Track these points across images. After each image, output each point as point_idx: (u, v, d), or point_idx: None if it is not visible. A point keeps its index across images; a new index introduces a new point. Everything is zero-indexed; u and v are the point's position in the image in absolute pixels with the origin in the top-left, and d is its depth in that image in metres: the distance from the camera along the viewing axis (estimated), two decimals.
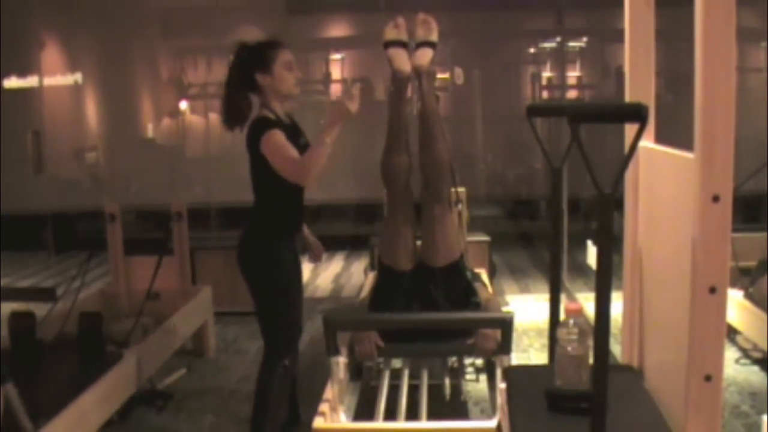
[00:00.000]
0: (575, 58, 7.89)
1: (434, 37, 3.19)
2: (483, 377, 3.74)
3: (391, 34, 3.15)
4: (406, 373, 3.14)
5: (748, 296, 3.83)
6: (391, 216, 3.23)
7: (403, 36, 3.15)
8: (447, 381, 3.22)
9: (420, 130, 3.19)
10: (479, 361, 3.80)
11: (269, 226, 3.00)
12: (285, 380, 3.18)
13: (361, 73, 7.85)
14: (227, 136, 8.03)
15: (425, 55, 3.17)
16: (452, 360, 3.55)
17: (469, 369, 3.83)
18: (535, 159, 7.73)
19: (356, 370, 3.27)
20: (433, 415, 2.84)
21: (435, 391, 3.12)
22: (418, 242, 3.27)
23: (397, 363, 3.40)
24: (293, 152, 2.79)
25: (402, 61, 3.13)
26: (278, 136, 2.80)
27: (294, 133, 2.96)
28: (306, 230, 3.25)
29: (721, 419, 1.72)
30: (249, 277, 3.01)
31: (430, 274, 3.11)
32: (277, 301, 3.00)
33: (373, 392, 3.07)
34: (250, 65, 2.90)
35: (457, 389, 3.43)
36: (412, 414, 2.86)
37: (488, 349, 2.98)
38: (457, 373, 3.56)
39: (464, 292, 3.18)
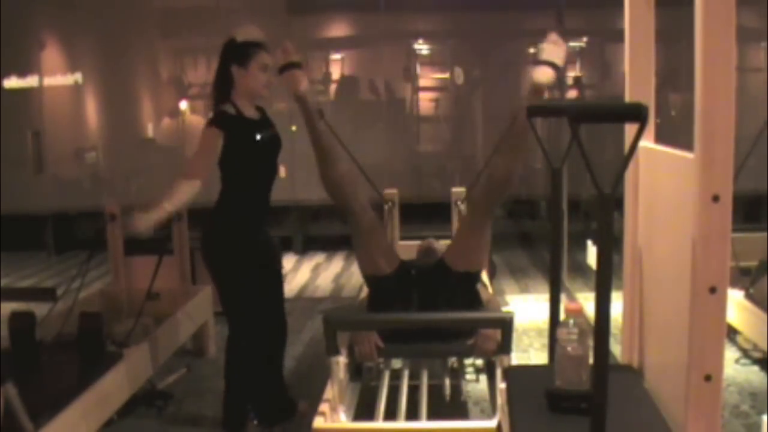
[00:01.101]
0: (575, 58, 7.89)
1: (559, 59, 2.99)
2: (483, 377, 3.74)
3: (281, 59, 2.99)
4: (406, 373, 3.14)
5: (749, 296, 3.83)
6: (354, 226, 3.13)
7: (295, 58, 2.98)
8: (447, 381, 3.22)
9: (506, 137, 3.08)
10: (479, 362, 3.80)
11: (229, 216, 3.15)
12: (260, 368, 3.27)
13: (361, 73, 7.85)
14: None
15: (544, 74, 2.98)
16: (452, 360, 3.55)
17: (469, 369, 3.83)
18: (535, 159, 7.73)
19: (356, 371, 3.27)
20: (433, 416, 2.84)
21: (435, 391, 3.12)
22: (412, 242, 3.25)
23: (396, 363, 3.40)
24: (205, 164, 3.05)
25: (295, 81, 2.95)
26: (209, 136, 3.03)
27: (253, 127, 3.10)
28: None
29: (721, 419, 1.72)
30: (209, 265, 3.15)
31: (445, 275, 3.09)
32: (234, 290, 3.13)
33: (373, 392, 3.08)
34: (229, 58, 3.09)
35: (457, 390, 3.44)
36: (412, 414, 2.86)
37: (488, 349, 2.99)
38: (457, 374, 3.56)
39: (470, 300, 3.16)
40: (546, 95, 3.08)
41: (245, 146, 3.09)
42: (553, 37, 3.01)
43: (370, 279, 3.18)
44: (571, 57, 7.85)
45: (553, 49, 2.99)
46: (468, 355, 3.32)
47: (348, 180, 3.08)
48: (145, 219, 2.87)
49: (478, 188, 3.15)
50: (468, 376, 3.76)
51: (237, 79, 3.07)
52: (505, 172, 3.05)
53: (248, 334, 3.20)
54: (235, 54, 3.08)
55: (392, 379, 3.13)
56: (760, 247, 4.23)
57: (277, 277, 3.40)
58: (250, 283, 3.16)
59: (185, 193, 2.99)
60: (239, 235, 3.15)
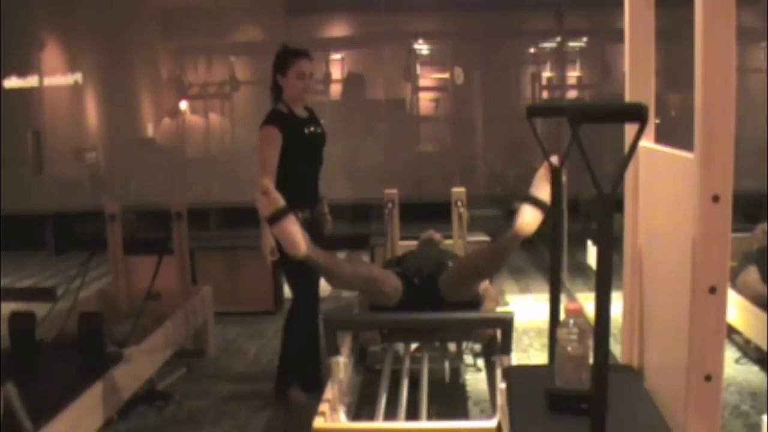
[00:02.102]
0: (575, 58, 7.89)
1: (546, 194, 2.62)
2: (481, 372, 3.75)
3: (264, 208, 2.62)
4: (407, 357, 3.28)
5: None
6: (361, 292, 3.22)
7: (280, 203, 2.64)
8: (447, 364, 3.40)
9: (489, 258, 3.06)
10: (477, 347, 3.83)
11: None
12: (305, 335, 3.56)
13: (361, 73, 7.85)
14: (227, 136, 8.08)
15: (531, 223, 2.69)
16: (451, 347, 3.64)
17: (468, 355, 3.87)
18: (535, 159, 7.72)
19: (361, 354, 3.43)
20: (434, 400, 2.93)
21: (435, 374, 3.24)
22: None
23: (399, 347, 3.52)
24: (270, 161, 3.36)
25: (293, 242, 2.65)
26: (269, 134, 3.39)
27: (302, 123, 3.49)
28: (324, 201, 3.70)
29: (721, 419, 1.72)
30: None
31: (441, 304, 3.11)
32: (286, 262, 3.26)
33: (374, 389, 3.11)
34: (275, 66, 3.48)
35: (456, 373, 3.59)
36: (413, 403, 2.91)
37: (485, 334, 3.14)
38: (456, 358, 3.62)
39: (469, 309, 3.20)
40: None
41: (294, 139, 3.44)
42: (542, 171, 2.70)
43: (374, 306, 3.22)
44: (572, 57, 7.86)
45: (544, 183, 2.69)
46: (466, 339, 3.43)
47: (348, 275, 3.02)
48: (269, 246, 3.33)
49: (463, 263, 3.23)
50: (466, 359, 3.82)
51: (281, 85, 3.47)
52: (480, 274, 3.12)
53: (307, 302, 3.52)
54: (277, 64, 3.46)
55: (394, 363, 3.25)
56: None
57: None
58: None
59: None
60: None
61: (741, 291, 3.84)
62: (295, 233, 2.66)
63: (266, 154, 3.36)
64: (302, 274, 3.43)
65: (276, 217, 2.64)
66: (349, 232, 7.45)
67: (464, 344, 3.64)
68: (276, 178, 3.44)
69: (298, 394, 3.57)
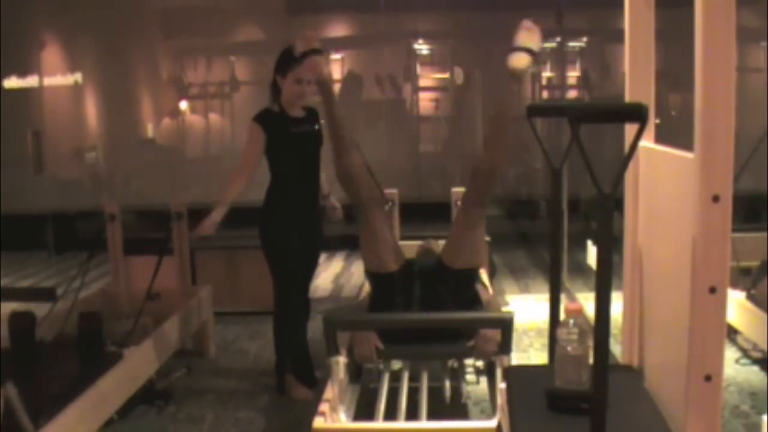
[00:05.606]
0: (575, 58, 7.89)
1: (534, 45, 3.00)
2: (483, 379, 3.74)
3: (301, 46, 3.13)
4: (405, 375, 3.14)
5: (751, 297, 3.82)
6: (364, 220, 3.13)
7: (315, 44, 3.14)
8: (447, 383, 3.21)
9: (489, 130, 3.16)
10: (479, 363, 3.79)
11: (269, 198, 3.55)
12: (293, 331, 3.64)
13: (361, 73, 7.85)
14: (227, 136, 8.08)
15: (520, 60, 2.99)
16: (452, 361, 3.54)
17: (469, 370, 3.82)
18: (535, 159, 7.73)
19: (356, 372, 3.27)
20: (432, 416, 2.83)
21: (435, 393, 3.11)
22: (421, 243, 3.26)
23: (396, 365, 3.39)
24: (249, 156, 3.48)
25: (317, 66, 3.12)
26: (252, 131, 3.46)
27: (292, 123, 3.50)
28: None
29: (721, 419, 1.72)
30: (260, 236, 3.58)
31: (444, 274, 3.08)
32: (271, 262, 3.57)
33: (372, 395, 3.07)
34: (276, 65, 3.52)
35: (457, 391, 3.42)
36: (412, 415, 2.86)
37: (488, 351, 2.99)
38: (457, 375, 3.56)
39: (471, 300, 3.16)
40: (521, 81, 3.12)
41: (280, 139, 3.47)
42: (527, 23, 3.06)
43: (374, 276, 3.16)
44: (572, 57, 7.86)
45: (528, 34, 3.03)
46: (468, 356, 3.31)
47: (360, 170, 3.11)
48: (210, 222, 3.40)
49: (468, 187, 3.17)
50: (468, 377, 3.75)
51: (280, 86, 3.51)
52: (488, 166, 3.04)
53: (289, 300, 3.58)
54: (279, 64, 3.50)
55: (392, 381, 3.13)
56: (760, 247, 4.23)
57: (310, 259, 3.70)
58: (288, 249, 3.54)
59: (236, 185, 3.45)
60: (278, 213, 3.54)
61: (759, 302, 3.77)
62: (323, 62, 3.13)
63: (247, 150, 3.49)
64: (285, 271, 3.56)
65: (307, 54, 3.09)
66: (349, 232, 7.46)
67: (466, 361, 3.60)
68: (271, 176, 3.55)
69: (302, 390, 3.61)
